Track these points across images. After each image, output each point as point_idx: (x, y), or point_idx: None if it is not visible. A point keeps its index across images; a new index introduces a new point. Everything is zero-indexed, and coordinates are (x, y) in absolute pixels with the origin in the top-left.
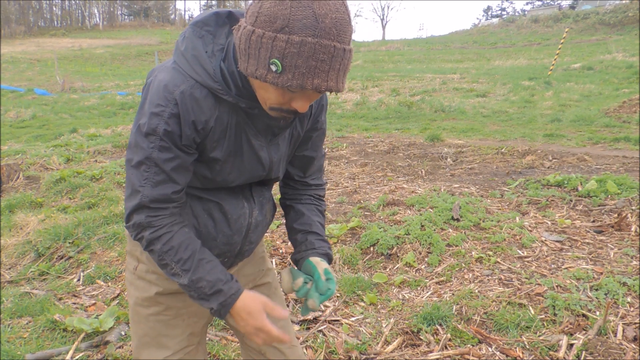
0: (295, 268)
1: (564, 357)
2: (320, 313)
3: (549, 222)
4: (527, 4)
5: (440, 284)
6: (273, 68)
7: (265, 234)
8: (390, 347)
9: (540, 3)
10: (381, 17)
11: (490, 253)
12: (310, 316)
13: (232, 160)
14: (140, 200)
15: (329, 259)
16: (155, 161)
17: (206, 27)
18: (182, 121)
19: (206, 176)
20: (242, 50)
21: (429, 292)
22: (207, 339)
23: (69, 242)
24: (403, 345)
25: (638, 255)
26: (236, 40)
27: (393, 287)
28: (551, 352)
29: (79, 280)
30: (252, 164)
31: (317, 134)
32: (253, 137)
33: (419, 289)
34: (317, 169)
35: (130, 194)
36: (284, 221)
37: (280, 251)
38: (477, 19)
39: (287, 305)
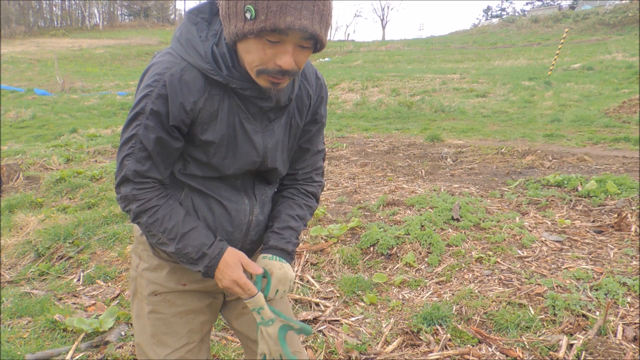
0: None
1: (564, 357)
2: (320, 313)
3: (549, 222)
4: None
5: (440, 284)
6: (247, 16)
7: None
8: (390, 347)
9: (540, 3)
10: (381, 17)
11: (490, 253)
12: (310, 316)
13: (227, 144)
14: (125, 172)
15: (282, 251)
16: (141, 138)
17: (201, 14)
18: (169, 102)
19: (202, 160)
20: (224, 15)
21: (429, 292)
22: None
23: (69, 242)
24: (403, 345)
25: (638, 255)
26: (220, 11)
27: (393, 287)
28: (551, 352)
29: (79, 280)
30: (246, 149)
31: (316, 127)
32: (246, 120)
33: (419, 289)
34: (309, 163)
35: (118, 168)
36: None
37: None
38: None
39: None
